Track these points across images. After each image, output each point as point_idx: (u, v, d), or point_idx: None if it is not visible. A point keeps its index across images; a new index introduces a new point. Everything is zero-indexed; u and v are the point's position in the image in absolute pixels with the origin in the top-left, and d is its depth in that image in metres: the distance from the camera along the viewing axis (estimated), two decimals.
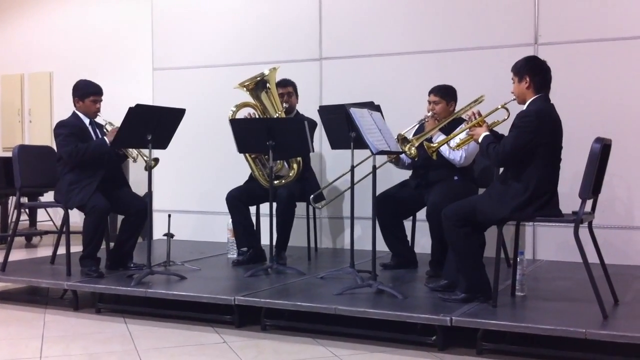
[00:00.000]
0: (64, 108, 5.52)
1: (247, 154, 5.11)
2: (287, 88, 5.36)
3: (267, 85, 5.19)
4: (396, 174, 5.24)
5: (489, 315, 3.53)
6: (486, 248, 3.90)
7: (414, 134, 4.69)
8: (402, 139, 4.37)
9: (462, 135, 4.10)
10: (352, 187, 4.41)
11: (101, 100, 4.89)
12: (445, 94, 4.71)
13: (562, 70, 4.54)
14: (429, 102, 4.74)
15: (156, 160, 4.64)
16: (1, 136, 9.54)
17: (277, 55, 6.19)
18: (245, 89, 5.20)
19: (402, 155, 4.71)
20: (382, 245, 4.75)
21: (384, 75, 5.93)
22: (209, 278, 4.68)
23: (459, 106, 4.68)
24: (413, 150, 4.33)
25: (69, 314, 4.47)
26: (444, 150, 4.53)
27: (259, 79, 5.17)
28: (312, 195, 5.10)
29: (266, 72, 5.17)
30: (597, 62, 5.26)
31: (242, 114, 5.19)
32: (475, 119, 3.93)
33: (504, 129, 3.86)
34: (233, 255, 5.43)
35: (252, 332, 3.98)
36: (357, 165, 4.46)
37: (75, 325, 4.22)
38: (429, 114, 4.67)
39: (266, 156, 4.85)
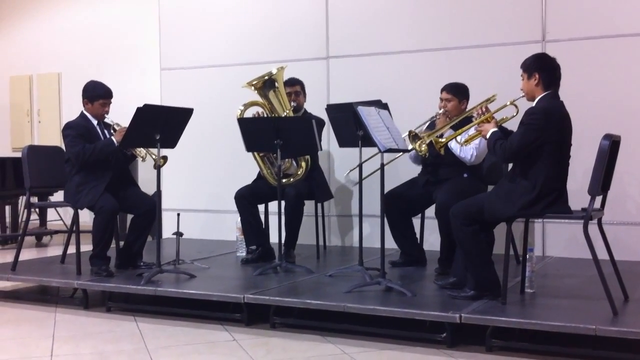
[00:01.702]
0: (73, 108, 5.53)
1: (255, 153, 5.13)
2: (295, 87, 5.36)
3: (275, 84, 5.19)
4: (404, 171, 5.24)
5: (498, 312, 3.53)
6: (495, 245, 3.89)
7: (425, 131, 4.67)
8: (413, 136, 4.36)
9: (471, 131, 4.09)
10: (360, 185, 4.41)
11: (110, 104, 4.89)
12: (457, 91, 4.69)
13: (570, 68, 4.51)
14: (441, 100, 4.71)
15: (165, 158, 4.64)
16: (10, 137, 9.60)
17: (285, 54, 6.19)
18: (253, 88, 5.20)
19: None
20: (390, 243, 4.75)
21: (391, 74, 5.92)
22: (218, 276, 4.69)
23: (470, 104, 4.66)
24: (424, 147, 4.29)
25: (79, 313, 4.50)
26: (455, 148, 4.52)
27: (266, 78, 5.17)
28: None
29: (274, 71, 5.18)
30: (605, 59, 5.24)
31: (250, 112, 5.19)
32: (484, 114, 3.93)
33: (513, 126, 3.85)
34: (242, 253, 5.43)
35: (262, 330, 3.99)
36: (364, 161, 4.46)
37: (86, 324, 4.24)
38: (441, 111, 4.66)
39: (274, 155, 4.85)
